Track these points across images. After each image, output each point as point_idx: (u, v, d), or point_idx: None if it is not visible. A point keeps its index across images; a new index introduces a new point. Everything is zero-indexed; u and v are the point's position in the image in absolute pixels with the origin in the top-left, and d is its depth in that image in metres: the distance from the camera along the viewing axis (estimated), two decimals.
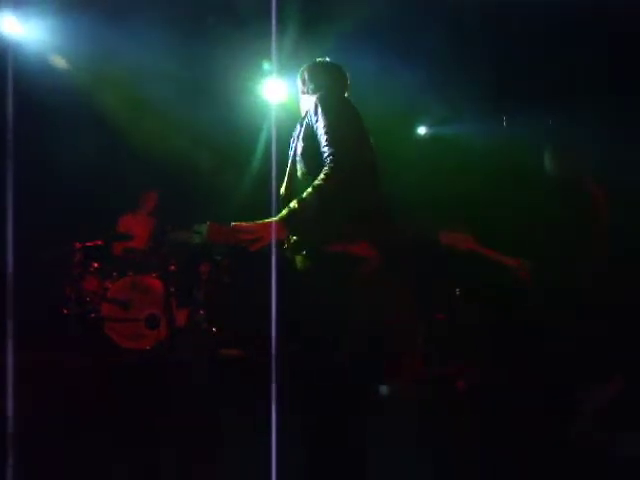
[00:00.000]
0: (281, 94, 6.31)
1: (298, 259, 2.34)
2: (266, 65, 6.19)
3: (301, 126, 2.42)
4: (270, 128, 6.53)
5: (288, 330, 2.43)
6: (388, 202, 2.45)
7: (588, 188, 3.84)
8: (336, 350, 2.28)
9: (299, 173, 2.35)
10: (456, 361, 5.47)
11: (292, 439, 2.40)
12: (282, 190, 2.43)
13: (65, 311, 5.46)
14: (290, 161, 2.43)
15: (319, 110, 2.30)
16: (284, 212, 2.23)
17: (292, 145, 2.46)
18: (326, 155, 2.22)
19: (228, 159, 6.95)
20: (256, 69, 6.24)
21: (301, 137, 2.37)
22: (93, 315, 5.18)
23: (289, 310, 2.48)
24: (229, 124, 6.46)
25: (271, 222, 2.23)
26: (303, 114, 2.53)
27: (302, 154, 2.35)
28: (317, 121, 2.30)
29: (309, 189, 2.20)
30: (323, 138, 2.25)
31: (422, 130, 8.51)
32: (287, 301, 2.43)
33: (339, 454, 2.31)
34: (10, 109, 4.18)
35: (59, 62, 6.01)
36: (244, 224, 2.20)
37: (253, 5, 5.31)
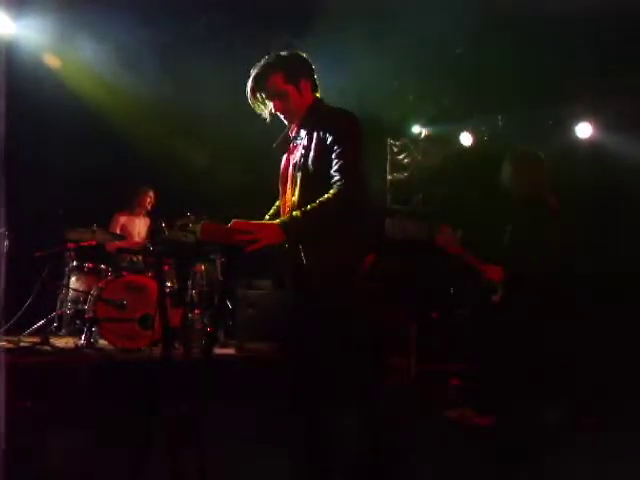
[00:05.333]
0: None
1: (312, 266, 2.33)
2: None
3: (310, 138, 2.36)
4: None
5: (290, 332, 2.43)
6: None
7: (548, 203, 4.02)
8: (337, 350, 2.28)
9: (313, 186, 2.30)
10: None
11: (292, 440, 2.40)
12: (294, 198, 2.36)
13: (59, 312, 5.44)
14: (302, 172, 2.35)
15: (337, 131, 2.29)
16: (286, 218, 2.24)
17: (300, 159, 2.38)
18: (338, 177, 2.24)
19: (224, 158, 6.93)
20: (249, 67, 6.22)
21: (314, 152, 2.33)
22: (87, 315, 5.16)
23: (291, 313, 2.49)
24: (225, 122, 6.44)
25: (271, 224, 2.22)
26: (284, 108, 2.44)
27: (316, 169, 2.31)
28: (332, 141, 2.28)
29: (315, 204, 2.21)
30: (338, 161, 2.26)
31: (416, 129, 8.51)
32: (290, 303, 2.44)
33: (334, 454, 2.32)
34: (2, 107, 4.16)
35: (52, 60, 5.98)
36: (243, 223, 2.18)
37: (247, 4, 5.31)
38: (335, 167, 2.26)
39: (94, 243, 5.49)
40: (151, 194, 6.20)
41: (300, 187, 2.34)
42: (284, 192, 2.46)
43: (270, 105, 2.45)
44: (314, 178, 2.31)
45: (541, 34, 5.62)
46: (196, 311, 5.81)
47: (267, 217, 2.57)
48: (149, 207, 6.22)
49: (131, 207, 6.19)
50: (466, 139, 7.96)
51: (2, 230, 5.11)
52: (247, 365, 5.11)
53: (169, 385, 2.18)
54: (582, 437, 3.74)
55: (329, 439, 2.34)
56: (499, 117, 7.64)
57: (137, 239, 6.18)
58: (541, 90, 6.58)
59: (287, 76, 2.40)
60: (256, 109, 2.49)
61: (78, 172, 6.23)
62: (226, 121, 6.46)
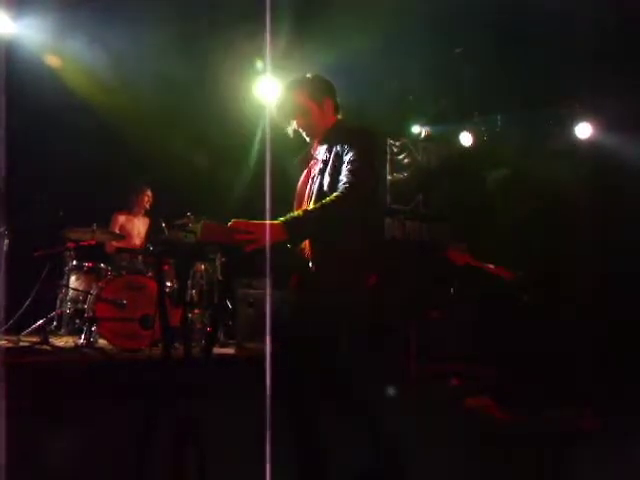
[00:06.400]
0: (275, 92, 6.30)
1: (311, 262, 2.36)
2: (259, 64, 6.16)
3: (329, 153, 2.43)
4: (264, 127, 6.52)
5: (292, 330, 2.43)
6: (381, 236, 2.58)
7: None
8: (337, 350, 2.29)
9: (326, 196, 2.33)
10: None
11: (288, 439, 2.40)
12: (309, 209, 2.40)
13: (59, 311, 5.44)
14: (317, 185, 2.42)
15: (351, 143, 2.35)
16: (287, 217, 2.25)
17: (317, 174, 2.45)
18: (344, 182, 2.28)
19: (223, 157, 6.94)
20: (249, 68, 6.23)
21: (330, 166, 2.39)
22: (87, 315, 5.16)
23: (294, 311, 2.49)
24: (223, 122, 6.45)
25: (272, 223, 2.22)
26: (310, 129, 2.54)
27: (331, 181, 2.36)
28: (346, 153, 2.35)
29: (317, 205, 2.25)
30: (346, 167, 2.31)
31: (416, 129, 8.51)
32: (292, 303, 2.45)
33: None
34: (3, 107, 4.16)
35: (52, 60, 5.98)
36: (242, 223, 2.18)
37: (247, 4, 5.30)
38: (344, 172, 2.31)
39: (94, 243, 5.49)
40: (149, 193, 6.18)
41: (315, 198, 2.40)
42: (299, 206, 2.50)
43: (294, 122, 2.55)
44: (329, 190, 2.35)
45: (541, 34, 5.62)
46: (196, 311, 5.82)
47: None
48: (147, 206, 6.21)
49: (130, 207, 6.18)
50: (466, 139, 7.96)
51: (2, 230, 5.11)
52: (247, 365, 5.11)
53: (169, 385, 2.18)
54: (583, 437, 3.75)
55: (326, 439, 2.34)
56: (499, 117, 7.64)
57: (136, 239, 6.18)
58: (541, 90, 6.59)
59: (310, 94, 2.51)
60: (281, 124, 2.60)
61: (78, 172, 6.23)
62: (226, 121, 6.48)
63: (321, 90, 2.54)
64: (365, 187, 2.30)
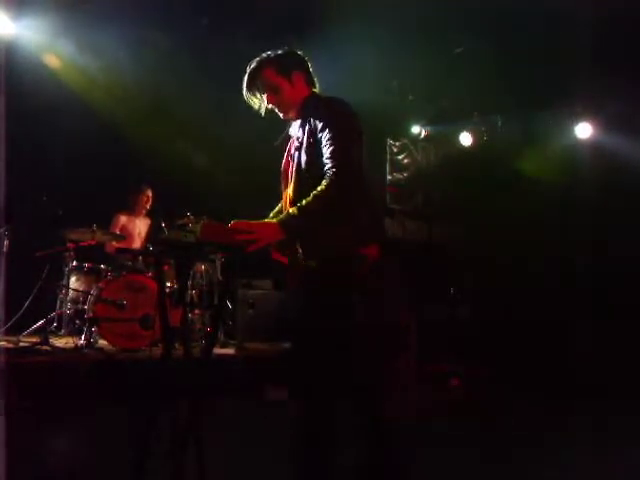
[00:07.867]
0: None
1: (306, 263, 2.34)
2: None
3: (303, 130, 2.37)
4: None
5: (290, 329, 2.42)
6: (380, 215, 2.50)
7: None
8: (336, 349, 2.28)
9: (306, 178, 2.31)
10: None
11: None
12: (290, 194, 2.38)
13: (59, 312, 5.44)
14: (295, 164, 2.37)
15: (325, 118, 2.29)
16: (284, 215, 2.22)
17: (294, 152, 2.40)
18: (329, 166, 2.21)
19: (223, 156, 6.93)
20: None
21: (305, 143, 2.34)
22: (87, 315, 5.15)
23: (291, 310, 2.47)
24: (225, 122, 6.44)
25: (270, 223, 2.21)
26: (285, 108, 2.47)
27: (309, 160, 2.31)
28: (322, 129, 2.28)
29: (309, 197, 2.19)
30: (327, 148, 2.24)
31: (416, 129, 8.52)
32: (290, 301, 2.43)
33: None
34: (3, 107, 4.16)
35: (52, 60, 5.99)
36: (242, 223, 2.17)
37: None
38: (326, 154, 2.24)
39: (94, 243, 5.49)
40: (149, 193, 6.17)
41: (294, 179, 2.36)
42: (285, 187, 2.47)
43: (265, 100, 2.47)
44: (307, 168, 2.31)
45: (541, 34, 5.62)
46: (196, 311, 5.81)
47: (271, 215, 2.56)
48: (147, 206, 6.21)
49: (131, 207, 6.18)
50: (466, 139, 7.96)
51: (2, 230, 5.11)
52: (247, 365, 5.12)
53: (169, 385, 2.18)
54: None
55: (328, 437, 2.33)
56: (499, 117, 7.64)
57: (137, 239, 6.18)
58: (541, 90, 6.59)
59: (278, 69, 2.43)
60: (252, 105, 2.52)
61: (78, 172, 6.23)
62: (226, 121, 6.47)
63: (289, 64, 2.44)
64: (350, 166, 2.23)
